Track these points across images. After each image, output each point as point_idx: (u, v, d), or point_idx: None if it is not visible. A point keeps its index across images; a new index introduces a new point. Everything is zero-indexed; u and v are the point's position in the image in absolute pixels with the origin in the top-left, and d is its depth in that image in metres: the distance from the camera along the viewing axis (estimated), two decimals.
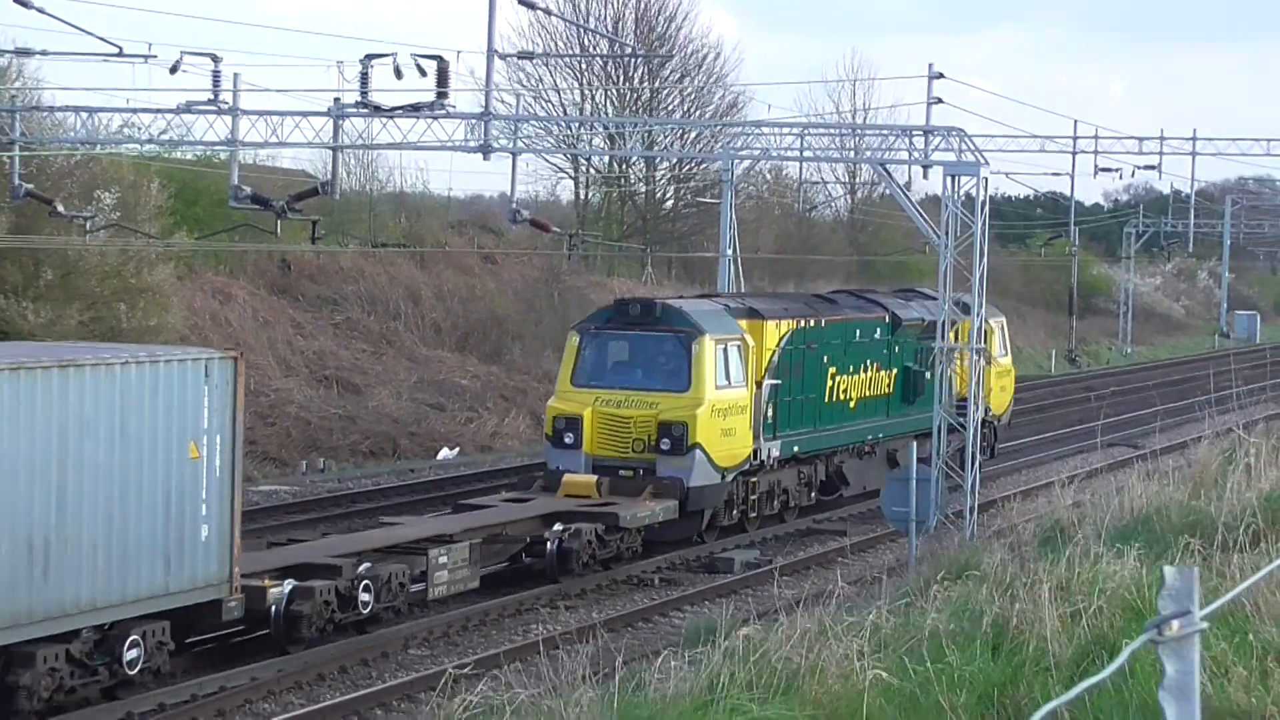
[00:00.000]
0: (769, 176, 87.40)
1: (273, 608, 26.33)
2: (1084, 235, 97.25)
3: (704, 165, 76.25)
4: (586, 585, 33.38)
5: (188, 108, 37.13)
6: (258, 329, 53.28)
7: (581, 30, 75.20)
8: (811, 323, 39.53)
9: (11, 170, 39.46)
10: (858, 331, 41.14)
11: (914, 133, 37.65)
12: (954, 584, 18.90)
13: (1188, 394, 62.46)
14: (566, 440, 35.38)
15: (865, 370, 41.16)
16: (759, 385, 37.05)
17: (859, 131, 42.83)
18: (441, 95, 36.26)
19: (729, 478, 36.16)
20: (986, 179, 35.87)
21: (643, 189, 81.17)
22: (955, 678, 14.02)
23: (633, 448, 35.29)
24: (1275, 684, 12.96)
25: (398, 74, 35.97)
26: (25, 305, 42.02)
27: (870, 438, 41.47)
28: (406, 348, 58.09)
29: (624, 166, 78.43)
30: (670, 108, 79.10)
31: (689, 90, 79.05)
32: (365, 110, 36.80)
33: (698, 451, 34.99)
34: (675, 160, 77.64)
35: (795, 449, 38.64)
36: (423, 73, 36.01)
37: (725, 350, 35.86)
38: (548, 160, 76.62)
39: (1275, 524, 19.55)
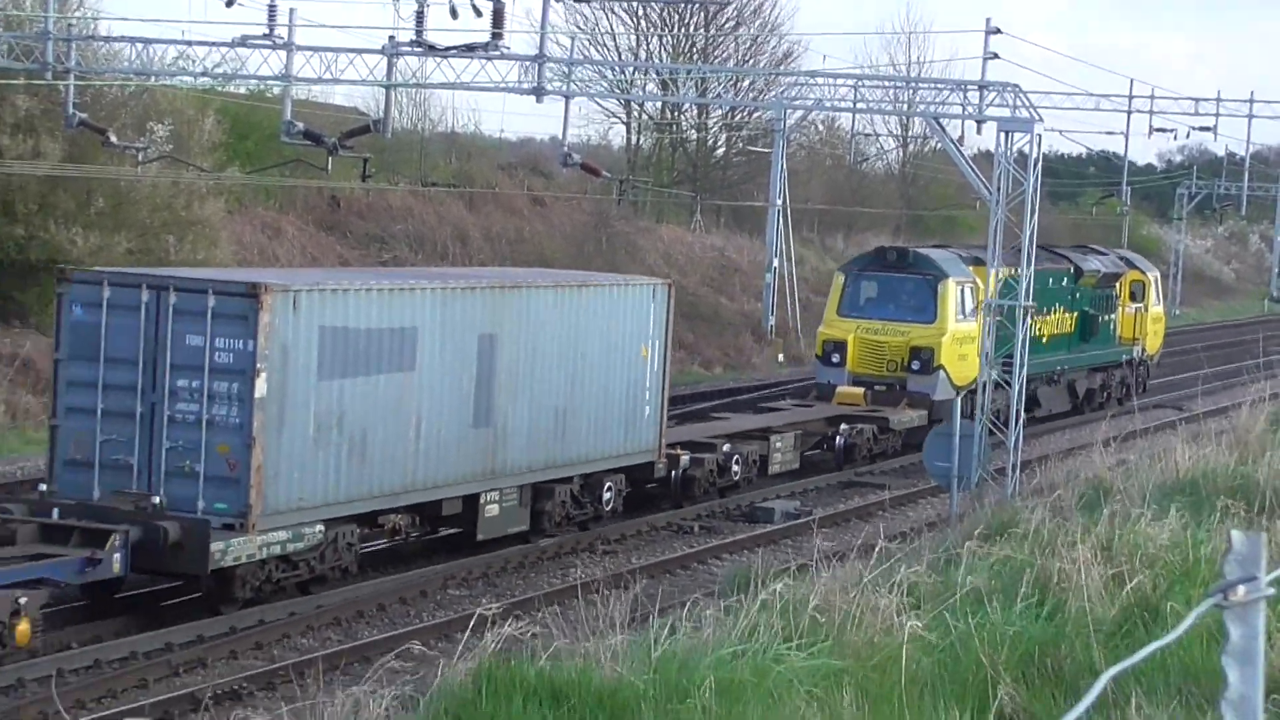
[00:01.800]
0: (821, 128, 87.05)
1: (673, 472, 34.81)
2: (1136, 195, 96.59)
3: (756, 114, 75.92)
4: (626, 531, 33.53)
5: (243, 41, 37.10)
6: (306, 264, 53.35)
7: None
8: (1018, 270, 42.96)
9: (66, 99, 39.51)
10: (1050, 280, 47.90)
11: (969, 87, 37.41)
12: (995, 541, 18.82)
13: (1235, 358, 62.15)
14: (834, 360, 43.27)
15: (1054, 312, 48.51)
16: None
17: (913, 85, 42.58)
18: (496, 36, 36.16)
19: (962, 394, 41.80)
20: (1040, 136, 35.63)
21: (694, 136, 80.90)
22: (997, 636, 13.96)
23: (886, 367, 42.92)
24: None
25: (453, 14, 35.90)
26: (75, 231, 42.16)
27: (1058, 368, 49.38)
28: None
29: (676, 113, 78.18)
30: (725, 56, 78.79)
31: (744, 39, 78.71)
32: (419, 49, 36.73)
33: (941, 372, 42.70)
34: (728, 108, 77.36)
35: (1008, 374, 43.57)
36: (478, 13, 35.94)
37: (962, 290, 43.33)
38: (600, 105, 76.47)
39: None
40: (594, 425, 31.88)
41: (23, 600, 22.20)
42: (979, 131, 49.45)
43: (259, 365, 24.62)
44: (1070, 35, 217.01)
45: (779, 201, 44.29)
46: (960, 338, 43.06)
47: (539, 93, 37.53)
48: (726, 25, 78.50)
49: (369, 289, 26.68)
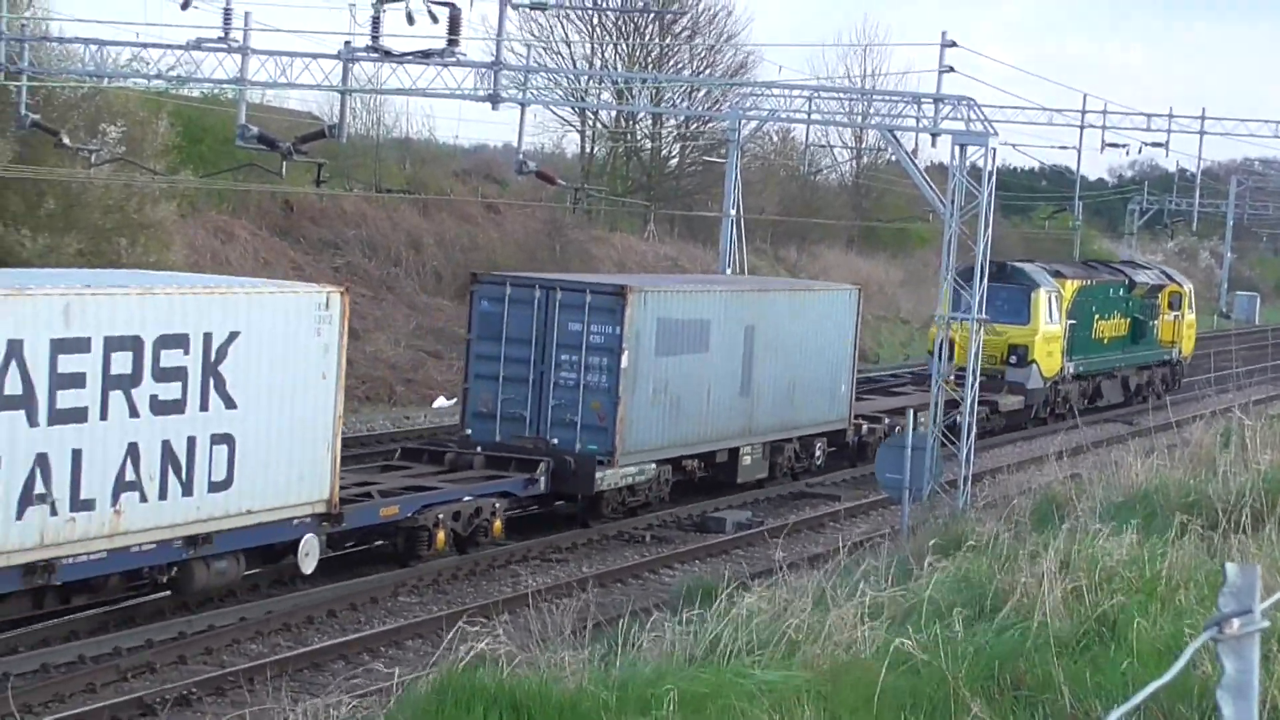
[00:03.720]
0: (775, 138, 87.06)
1: (852, 438, 42.72)
2: (1087, 210, 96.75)
3: (710, 124, 75.90)
4: (577, 539, 33.47)
5: (197, 44, 36.89)
6: (258, 269, 53.11)
7: None
8: (1089, 282, 56.23)
9: (19, 100, 39.25)
10: (1110, 290, 57.84)
11: (924, 100, 37.45)
12: (951, 555, 18.78)
13: (1186, 372, 62.73)
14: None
15: (1112, 318, 57.38)
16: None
17: (868, 97, 42.60)
18: (452, 43, 36.04)
19: (1048, 384, 52.14)
20: (995, 149, 35.68)
21: (648, 145, 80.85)
22: (958, 650, 13.89)
23: (986, 361, 47.87)
24: (1277, 669, 12.87)
25: (409, 19, 35.75)
26: (24, 233, 41.85)
27: (1115, 366, 58.03)
28: (406, 294, 57.96)
29: (631, 122, 78.11)
30: (680, 65, 78.73)
31: (699, 48, 78.69)
32: (375, 55, 36.59)
33: (1034, 365, 50.94)
34: (682, 118, 77.31)
35: (1080, 369, 54.78)
36: (435, 19, 35.79)
37: (1050, 298, 51.73)
38: (555, 113, 76.35)
39: (1275, 507, 19.43)
40: (810, 397, 40.06)
41: (497, 505, 31.61)
42: (934, 144, 49.65)
43: (623, 345, 33.56)
44: (1025, 48, 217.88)
45: (732, 212, 44.18)
46: (1048, 337, 51.78)
47: (495, 100, 37.44)
48: (682, 34, 78.50)
49: (684, 291, 36.68)
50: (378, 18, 35.97)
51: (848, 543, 24.76)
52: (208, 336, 24.80)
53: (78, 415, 22.85)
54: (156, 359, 23.97)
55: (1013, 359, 50.73)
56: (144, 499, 23.90)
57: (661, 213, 76.11)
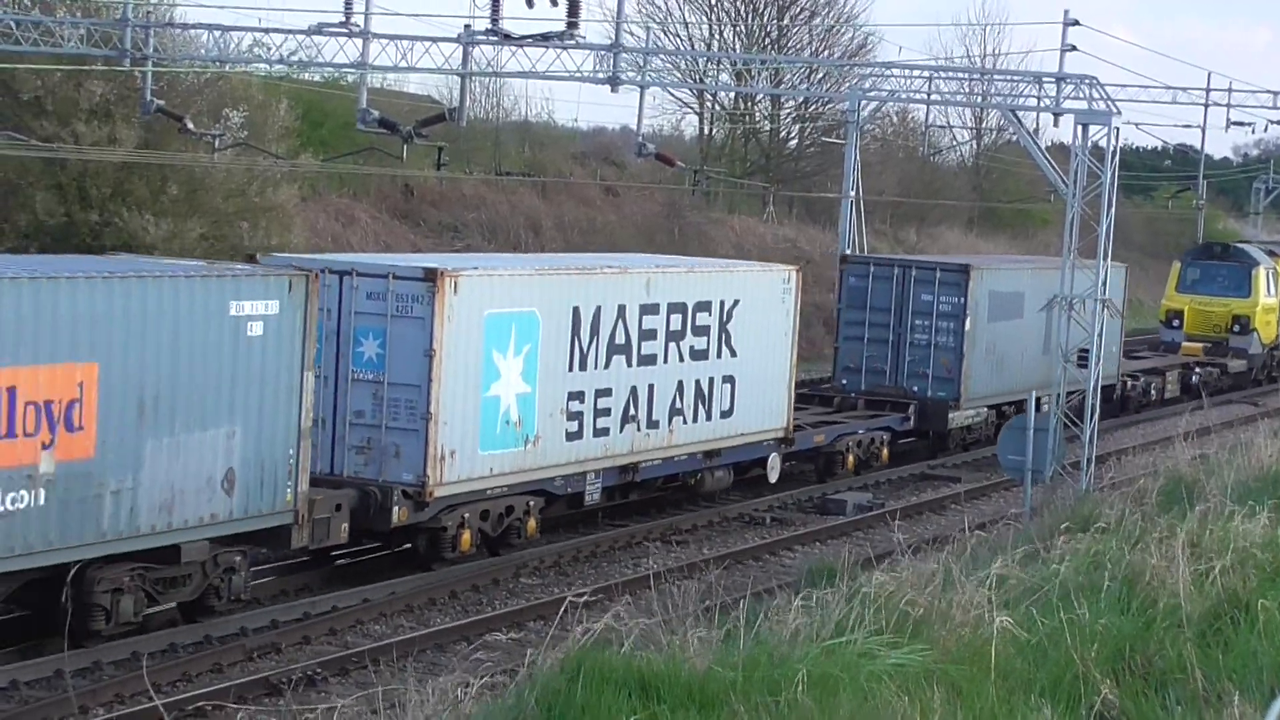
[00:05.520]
0: (895, 119, 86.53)
1: (1118, 393, 48.52)
2: (1211, 189, 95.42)
3: (830, 105, 75.53)
4: (697, 521, 33.46)
5: (319, 29, 37.01)
6: (379, 252, 53.35)
7: None
8: None
9: (143, 86, 39.56)
10: None
11: (1045, 80, 37.09)
12: (1078, 536, 18.57)
13: None
14: (1174, 324, 58.56)
15: None
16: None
17: (989, 77, 42.25)
18: (572, 25, 35.95)
19: (1266, 350, 59.19)
20: (1117, 129, 35.29)
21: (767, 127, 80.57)
22: (1087, 631, 13.75)
23: (1212, 329, 57.85)
24: None
25: (529, 2, 35.70)
26: (147, 218, 42.19)
27: None
28: None
29: (749, 104, 77.87)
30: (798, 46, 78.41)
31: (818, 29, 78.33)
32: (495, 38, 36.58)
33: (1254, 333, 57.94)
34: (801, 99, 76.98)
35: None
36: (554, 2, 35.74)
37: (1269, 274, 58.80)
38: (673, 95, 76.21)
39: None
40: (1019, 369, 43.50)
41: (884, 437, 39.76)
42: (1056, 124, 49.26)
43: (967, 313, 40.88)
44: (1148, 27, 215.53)
45: (852, 193, 44.06)
46: (1267, 309, 58.68)
47: (614, 82, 37.33)
48: (801, 15, 78.15)
49: (1007, 268, 44.47)
50: (497, 1, 35.97)
51: (971, 525, 24.57)
52: (722, 303, 33.66)
53: (652, 360, 31.72)
54: (694, 319, 32.86)
55: (1236, 328, 57.91)
56: (684, 422, 32.81)
57: (780, 194, 75.82)
